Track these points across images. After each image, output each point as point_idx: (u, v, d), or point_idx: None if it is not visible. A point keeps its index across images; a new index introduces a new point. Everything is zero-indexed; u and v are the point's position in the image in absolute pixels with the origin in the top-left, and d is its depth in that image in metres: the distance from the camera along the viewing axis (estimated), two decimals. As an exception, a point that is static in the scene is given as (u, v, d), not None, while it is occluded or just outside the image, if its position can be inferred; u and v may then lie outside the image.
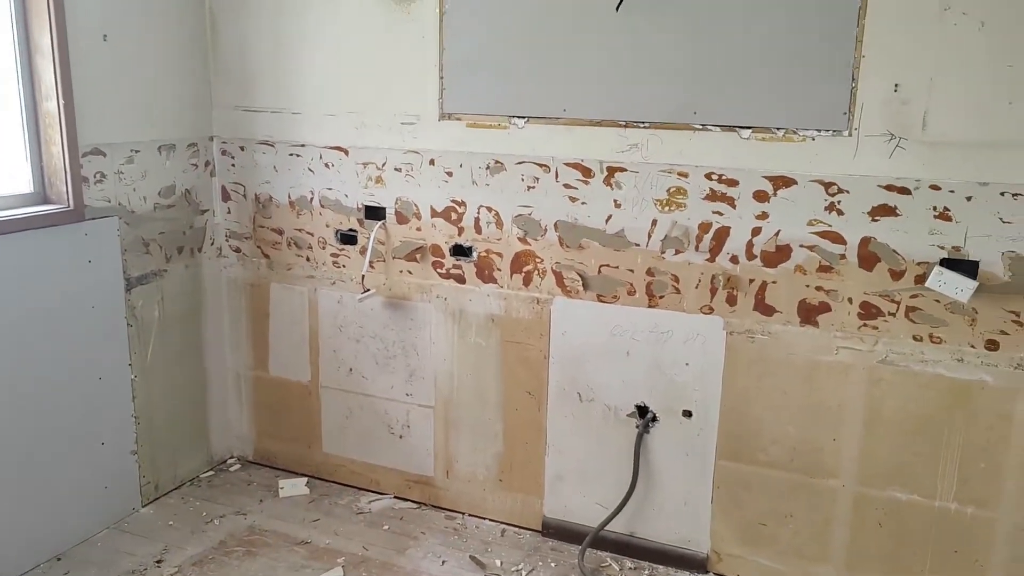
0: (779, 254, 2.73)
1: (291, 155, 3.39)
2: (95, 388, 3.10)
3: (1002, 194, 2.43)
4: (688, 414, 2.95)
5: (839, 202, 2.62)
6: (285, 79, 3.33)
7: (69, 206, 2.92)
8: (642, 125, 2.82)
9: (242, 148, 3.48)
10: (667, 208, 2.85)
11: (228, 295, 3.67)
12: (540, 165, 2.99)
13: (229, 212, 3.58)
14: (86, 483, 3.11)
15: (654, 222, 2.87)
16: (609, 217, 2.93)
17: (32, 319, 2.84)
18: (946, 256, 2.53)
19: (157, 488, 3.43)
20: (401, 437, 3.46)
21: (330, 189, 3.36)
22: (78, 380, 3.03)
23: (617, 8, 2.73)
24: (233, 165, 3.52)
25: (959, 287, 2.47)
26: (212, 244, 3.59)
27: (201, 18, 3.38)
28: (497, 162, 3.05)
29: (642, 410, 3.01)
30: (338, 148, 3.30)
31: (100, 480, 3.17)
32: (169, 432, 3.47)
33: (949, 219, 2.51)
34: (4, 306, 2.74)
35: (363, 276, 3.32)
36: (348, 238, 3.38)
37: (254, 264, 3.59)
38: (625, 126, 2.84)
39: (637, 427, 3.01)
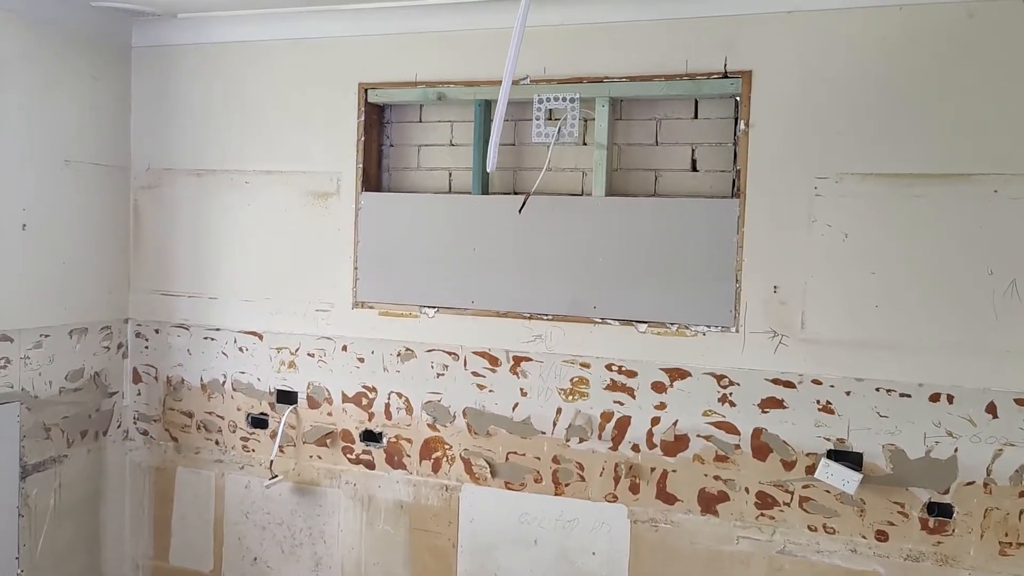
0: (678, 443, 2.82)
1: (206, 338, 3.42)
2: (-25, 585, 2.93)
3: (877, 390, 2.59)
4: (596, 606, 2.92)
5: (731, 394, 2.75)
6: (204, 265, 3.41)
7: (-33, 394, 2.87)
8: (545, 317, 2.95)
9: (156, 331, 3.50)
10: (571, 397, 2.93)
11: (132, 480, 3.57)
12: (449, 353, 3.08)
13: (139, 394, 3.55)
14: None
15: (559, 411, 2.95)
16: (516, 405, 3.00)
17: (-87, 513, 2.72)
18: (832, 448, 2.65)
19: None
20: (305, 632, 3.31)
21: (243, 373, 3.37)
22: (-43, 577, 2.87)
23: (520, 210, 2.92)
24: (147, 347, 3.52)
25: (845, 479, 2.57)
26: (119, 427, 3.52)
27: (125, 208, 3.48)
28: (408, 349, 3.13)
29: (551, 602, 2.97)
30: (253, 332, 3.35)
31: None
32: (55, 630, 3.26)
33: (832, 412, 2.64)
34: None
35: (271, 461, 3.29)
36: (259, 422, 3.37)
37: (161, 448, 3.52)
38: (529, 318, 2.97)
39: (546, 620, 2.96)
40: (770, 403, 2.71)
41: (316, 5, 3.09)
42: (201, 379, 3.44)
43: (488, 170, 2.32)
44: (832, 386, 2.64)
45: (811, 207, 2.64)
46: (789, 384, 2.69)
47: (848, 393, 2.62)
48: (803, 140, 2.65)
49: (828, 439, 2.65)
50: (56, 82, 3.14)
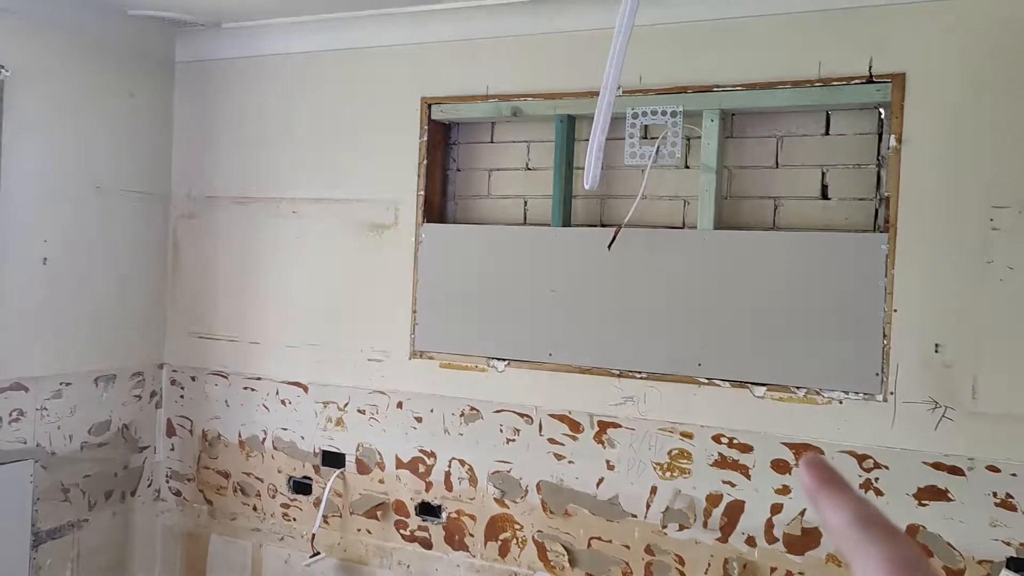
0: (806, 538, 2.25)
1: (245, 388, 3.01)
2: (-26, 672, 2.54)
3: (1079, 483, 1.99)
4: None
5: (876, 479, 2.17)
6: (246, 305, 3.01)
7: (-30, 451, 2.51)
8: (639, 375, 2.43)
9: (193, 378, 3.11)
10: (669, 474, 2.40)
11: (162, 546, 3.16)
12: (522, 415, 2.59)
13: (172, 449, 3.16)
14: None
15: (653, 489, 2.42)
16: (601, 480, 2.48)
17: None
18: (1013, 555, 2.04)
19: None
20: None
21: (285, 429, 2.94)
22: (-48, 664, 2.49)
23: (609, 246, 2.43)
24: (182, 396, 3.14)
25: (1038, 600, 1.97)
26: (149, 486, 3.13)
27: (163, 241, 3.12)
28: (473, 409, 2.65)
29: None
30: (297, 384, 2.92)
31: None
32: None
33: (1014, 508, 2.04)
34: None
35: (313, 535, 2.83)
36: (302, 487, 2.93)
37: (194, 511, 3.11)
38: (619, 375, 2.46)
39: None
40: (930, 493, 2.12)
41: (373, 9, 2.69)
42: (239, 434, 3.03)
43: (586, 187, 1.88)
44: (1014, 475, 2.04)
45: (986, 244, 2.07)
46: (956, 470, 2.10)
47: (1038, 485, 2.02)
48: (974, 160, 2.09)
49: (1008, 543, 2.05)
50: (88, 99, 2.81)
